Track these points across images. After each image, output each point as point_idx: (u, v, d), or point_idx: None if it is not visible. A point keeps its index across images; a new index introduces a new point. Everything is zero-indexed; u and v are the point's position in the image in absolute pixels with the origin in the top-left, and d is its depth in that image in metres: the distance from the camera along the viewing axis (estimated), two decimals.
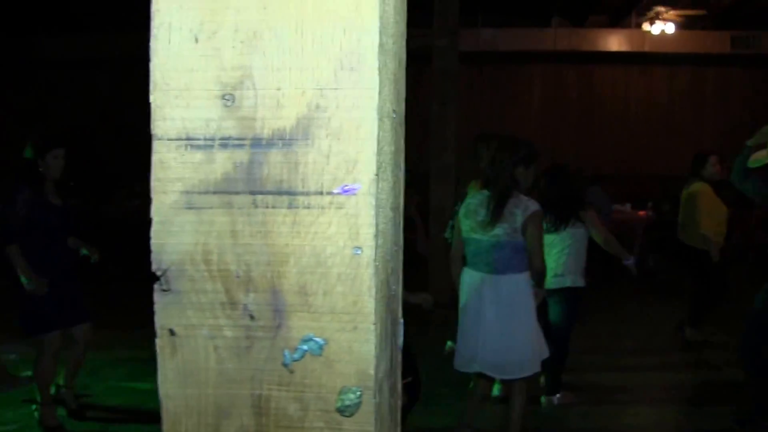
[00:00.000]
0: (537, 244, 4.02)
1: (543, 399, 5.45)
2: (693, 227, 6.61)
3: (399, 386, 1.32)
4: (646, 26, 12.50)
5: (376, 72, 0.97)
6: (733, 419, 5.04)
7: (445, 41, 8.70)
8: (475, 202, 4.22)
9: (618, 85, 14.42)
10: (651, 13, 12.13)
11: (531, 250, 4.03)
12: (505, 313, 4.08)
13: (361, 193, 0.98)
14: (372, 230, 0.98)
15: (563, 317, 5.33)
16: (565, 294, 5.28)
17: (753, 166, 4.85)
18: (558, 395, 5.44)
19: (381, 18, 0.99)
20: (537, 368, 4.29)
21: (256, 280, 1.01)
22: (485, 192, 4.18)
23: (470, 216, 4.20)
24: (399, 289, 1.24)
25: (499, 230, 4.05)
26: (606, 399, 5.68)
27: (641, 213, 11.42)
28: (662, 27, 12.18)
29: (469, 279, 4.25)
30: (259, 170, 1.00)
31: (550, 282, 5.20)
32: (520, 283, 4.08)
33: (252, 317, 1.02)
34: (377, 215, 0.99)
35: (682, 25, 13.22)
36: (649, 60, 14.04)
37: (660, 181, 13.84)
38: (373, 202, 0.98)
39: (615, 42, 13.50)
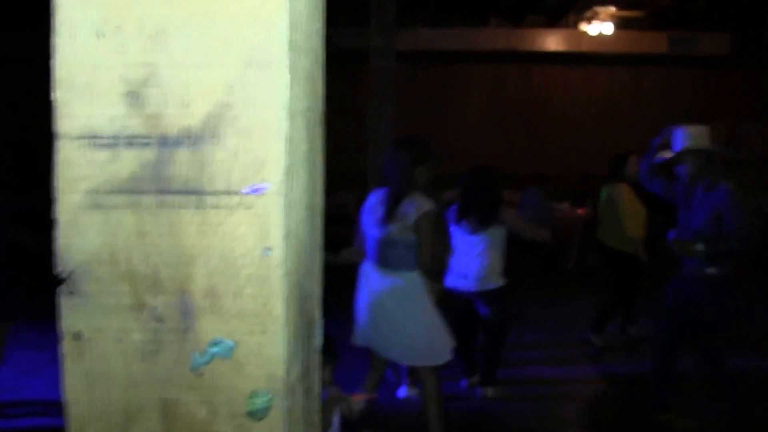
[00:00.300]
0: (427, 242, 4.12)
1: (478, 392, 5.49)
2: (615, 229, 6.67)
3: (317, 388, 1.32)
4: (583, 26, 12.66)
5: (286, 69, 0.97)
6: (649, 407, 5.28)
7: (382, 40, 8.70)
8: (374, 200, 4.35)
9: (557, 84, 14.59)
10: (588, 13, 12.30)
11: (421, 247, 4.14)
12: (402, 306, 4.22)
13: (270, 192, 0.97)
14: (282, 231, 0.98)
15: (495, 315, 5.37)
16: (492, 294, 5.33)
17: (657, 162, 5.08)
18: (492, 388, 5.49)
19: (291, 15, 0.99)
20: (447, 357, 4.38)
21: (164, 282, 1.00)
22: (384, 190, 4.30)
23: (370, 213, 4.35)
24: (316, 288, 1.24)
25: (393, 228, 4.17)
26: (541, 393, 5.74)
27: (580, 211, 11.58)
28: (600, 27, 12.35)
29: (367, 273, 4.37)
30: (166, 169, 0.99)
31: (474, 284, 5.28)
32: (414, 278, 4.20)
33: (160, 320, 1.01)
34: (288, 215, 0.99)
35: (620, 25, 13.44)
36: (588, 60, 14.23)
37: (601, 179, 14.06)
38: (283, 202, 0.97)
39: (553, 42, 13.63)
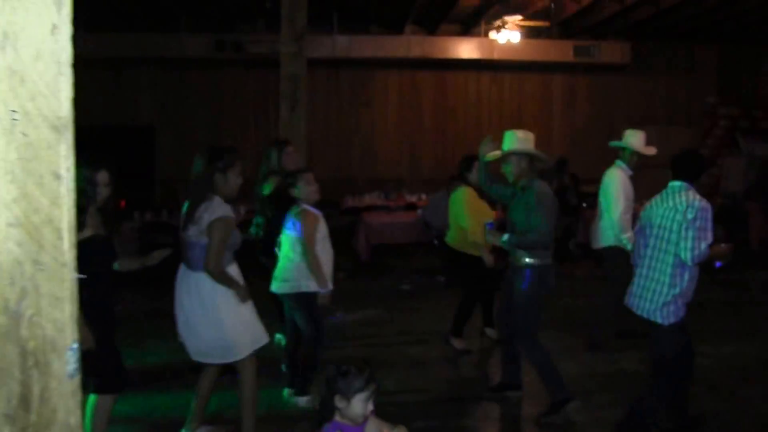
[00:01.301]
0: (212, 247, 4.18)
1: (292, 400, 5.29)
2: (456, 231, 6.56)
3: (71, 419, 1.16)
4: (492, 34, 12.69)
5: None
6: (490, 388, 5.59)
7: (292, 47, 8.52)
8: (186, 204, 4.40)
9: (470, 91, 14.63)
10: (497, 22, 12.33)
11: (208, 250, 4.19)
12: (198, 305, 4.25)
13: None
14: None
15: (302, 321, 5.18)
16: (298, 298, 5.18)
17: (487, 159, 5.35)
18: (307, 397, 5.24)
19: None
20: (238, 356, 4.33)
21: None
22: None
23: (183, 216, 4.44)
24: (56, 310, 1.08)
25: (190, 231, 4.26)
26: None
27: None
28: (508, 36, 12.39)
29: (179, 272, 4.42)
30: None
31: (279, 287, 5.18)
32: (209, 279, 4.24)
33: None
34: None
35: (530, 34, 13.55)
36: (499, 68, 14.32)
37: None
38: None
39: (466, 50, 13.65)
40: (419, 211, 10.90)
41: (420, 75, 14.47)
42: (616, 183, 6.24)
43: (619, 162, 6.36)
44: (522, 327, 5.06)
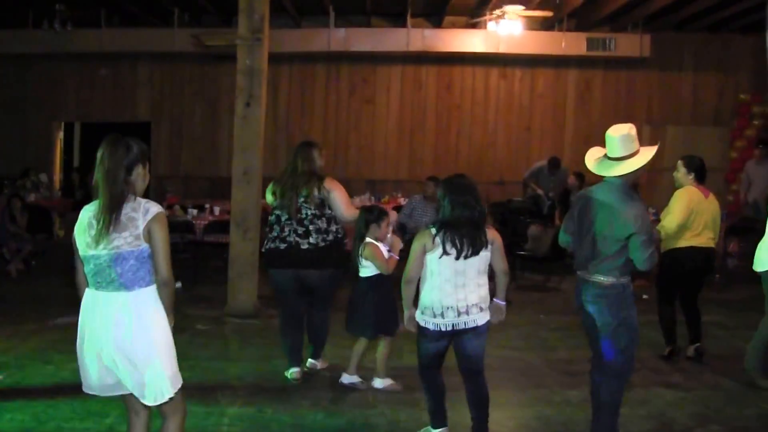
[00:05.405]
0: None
1: None
2: None
3: None
4: (490, 26, 11.85)
5: None
6: None
7: (249, 39, 7.97)
8: (88, 215, 3.54)
9: (477, 87, 13.86)
10: (498, 13, 11.51)
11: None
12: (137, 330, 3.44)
13: None
14: None
15: None
16: None
17: None
18: None
19: None
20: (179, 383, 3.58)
21: None
22: (97, 201, 3.49)
23: (85, 231, 3.53)
24: None
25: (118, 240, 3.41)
26: None
27: None
28: (510, 28, 11.54)
29: (90, 299, 3.51)
30: None
31: None
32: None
33: None
34: None
35: (539, 26, 12.81)
36: (508, 62, 13.57)
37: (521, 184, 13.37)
38: None
39: (471, 43, 12.87)
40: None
41: (423, 70, 13.80)
42: None
43: None
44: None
